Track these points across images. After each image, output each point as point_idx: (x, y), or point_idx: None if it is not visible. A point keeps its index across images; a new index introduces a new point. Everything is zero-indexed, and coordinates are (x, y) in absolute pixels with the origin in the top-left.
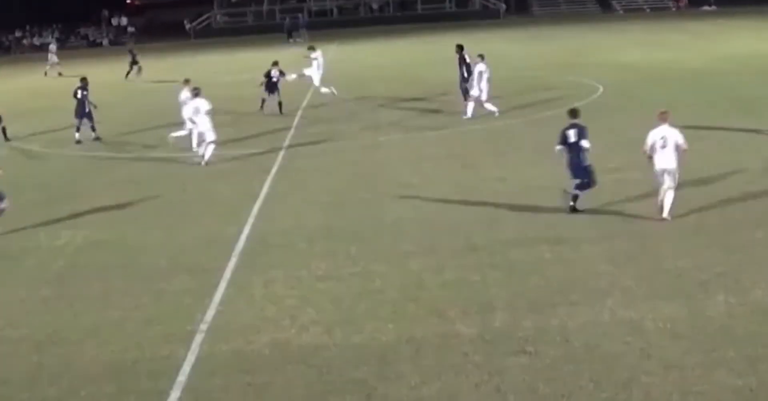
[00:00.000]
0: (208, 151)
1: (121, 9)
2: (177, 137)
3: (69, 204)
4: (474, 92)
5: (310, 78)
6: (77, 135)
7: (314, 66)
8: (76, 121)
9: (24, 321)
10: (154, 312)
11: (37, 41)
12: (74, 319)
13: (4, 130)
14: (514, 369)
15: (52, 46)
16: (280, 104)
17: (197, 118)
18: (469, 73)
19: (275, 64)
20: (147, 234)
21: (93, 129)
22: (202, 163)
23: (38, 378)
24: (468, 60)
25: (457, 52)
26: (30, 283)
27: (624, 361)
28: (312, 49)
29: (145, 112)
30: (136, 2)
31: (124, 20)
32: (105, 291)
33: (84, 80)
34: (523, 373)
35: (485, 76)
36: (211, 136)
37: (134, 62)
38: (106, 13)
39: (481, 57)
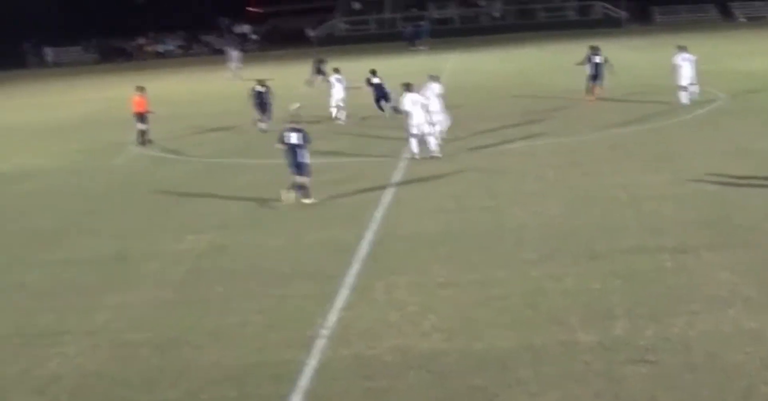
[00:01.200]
0: (433, 141)
1: (243, 17)
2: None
3: (193, 209)
4: (682, 81)
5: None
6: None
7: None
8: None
9: (146, 324)
10: (276, 317)
11: (160, 48)
12: (196, 323)
13: (144, 133)
14: (634, 377)
15: (233, 53)
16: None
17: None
18: (597, 71)
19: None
20: (269, 240)
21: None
22: (437, 155)
23: (159, 380)
24: (595, 59)
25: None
26: (153, 287)
27: (745, 371)
28: (336, 70)
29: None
30: (259, 10)
31: (246, 28)
32: (227, 296)
33: (261, 81)
34: (643, 382)
35: (686, 64)
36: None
37: (320, 72)
38: (225, 21)
39: (682, 48)
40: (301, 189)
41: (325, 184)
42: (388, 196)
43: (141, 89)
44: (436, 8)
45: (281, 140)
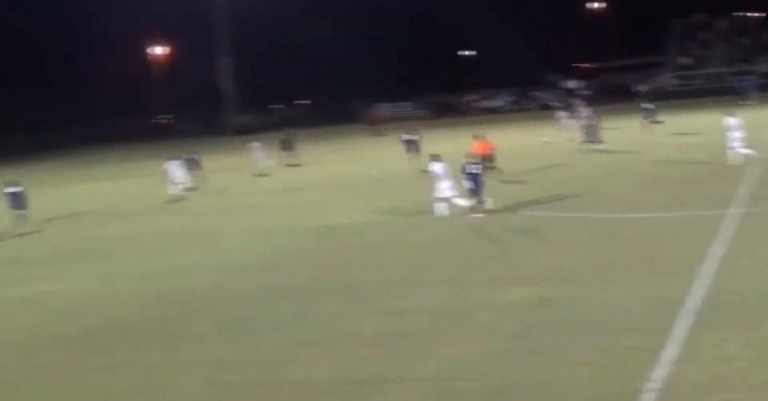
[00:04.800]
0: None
1: (572, 73)
2: None
3: (522, 261)
4: None
5: None
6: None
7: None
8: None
9: (475, 374)
10: (603, 370)
11: (490, 104)
12: (524, 374)
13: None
14: None
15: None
16: None
17: None
18: None
19: None
20: (597, 293)
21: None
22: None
23: None
24: None
25: None
26: (482, 338)
27: None
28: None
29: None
30: (588, 67)
31: (574, 83)
32: (555, 348)
33: None
34: None
35: None
36: None
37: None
38: (555, 77)
39: None
40: None
41: (649, 239)
42: (715, 249)
43: (476, 136)
44: (765, 61)
45: None
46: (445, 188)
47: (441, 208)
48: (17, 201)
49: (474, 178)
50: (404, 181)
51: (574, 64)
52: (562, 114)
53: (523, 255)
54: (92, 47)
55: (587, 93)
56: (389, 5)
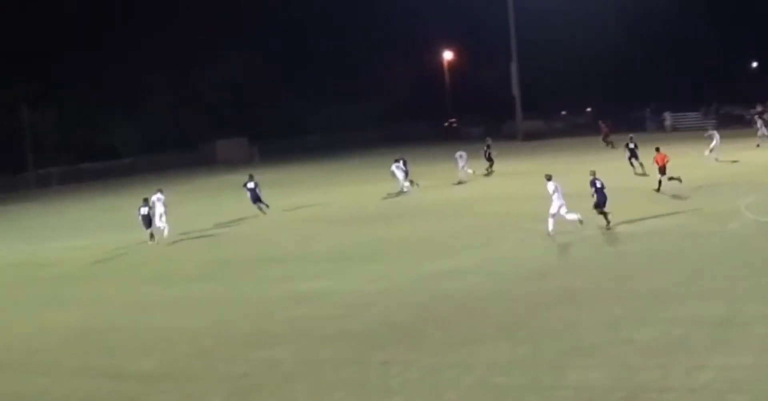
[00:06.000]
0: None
1: None
2: None
3: None
4: None
5: None
6: None
7: None
8: None
9: (750, 386)
10: None
11: None
12: None
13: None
14: None
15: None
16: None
17: None
18: None
19: None
20: None
21: None
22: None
23: None
24: None
25: None
26: (760, 350)
27: None
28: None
29: None
30: None
31: None
32: None
33: None
34: None
35: None
36: None
37: None
38: None
39: None
40: None
41: None
42: None
43: (658, 149)
44: None
45: None
46: (556, 205)
47: (550, 224)
48: (253, 194)
49: (600, 191)
50: (698, 191)
51: None
52: (711, 131)
53: None
54: (385, 52)
55: None
56: (686, 16)
